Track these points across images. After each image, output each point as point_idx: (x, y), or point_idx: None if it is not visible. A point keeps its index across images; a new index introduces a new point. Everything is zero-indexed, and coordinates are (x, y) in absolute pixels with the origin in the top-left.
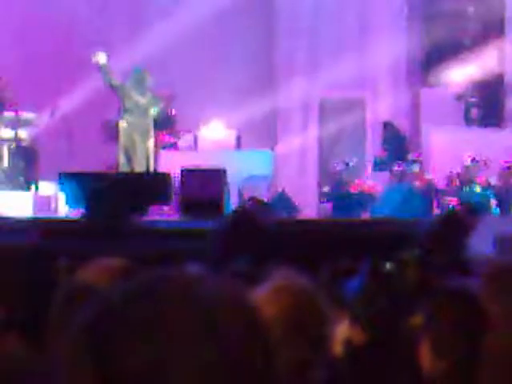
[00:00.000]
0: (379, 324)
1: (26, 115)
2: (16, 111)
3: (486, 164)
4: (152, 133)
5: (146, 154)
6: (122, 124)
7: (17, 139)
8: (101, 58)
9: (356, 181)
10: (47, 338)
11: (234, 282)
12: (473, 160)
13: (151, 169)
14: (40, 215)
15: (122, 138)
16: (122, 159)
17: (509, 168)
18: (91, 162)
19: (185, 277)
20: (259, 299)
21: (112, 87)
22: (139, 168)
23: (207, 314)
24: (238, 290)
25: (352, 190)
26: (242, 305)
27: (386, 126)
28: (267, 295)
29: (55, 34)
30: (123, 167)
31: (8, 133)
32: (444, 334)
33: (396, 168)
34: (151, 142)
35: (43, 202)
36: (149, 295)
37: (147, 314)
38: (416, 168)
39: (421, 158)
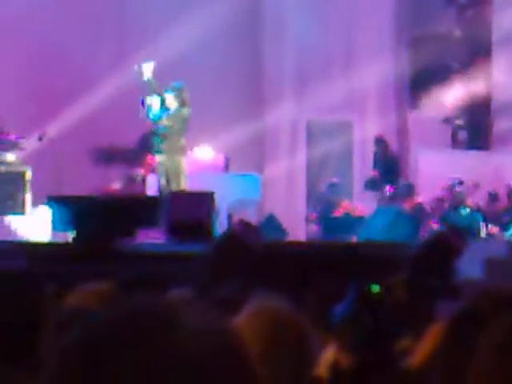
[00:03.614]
0: (366, 348)
1: (14, 139)
2: (3, 135)
3: (475, 187)
4: (185, 151)
5: (181, 172)
6: (158, 155)
7: (4, 163)
8: (146, 69)
9: (343, 203)
10: (40, 366)
11: (213, 311)
12: (461, 183)
13: (185, 186)
14: (31, 239)
15: (159, 166)
16: (162, 181)
17: (495, 193)
18: (81, 186)
19: (167, 305)
20: (238, 323)
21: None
22: (177, 187)
23: (186, 343)
24: (217, 318)
25: (340, 212)
26: (221, 333)
27: (378, 141)
28: (244, 319)
29: (43, 58)
30: (163, 189)
31: None
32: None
33: (387, 191)
34: (184, 161)
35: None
36: (132, 323)
37: (130, 341)
38: (406, 191)
39: (410, 182)
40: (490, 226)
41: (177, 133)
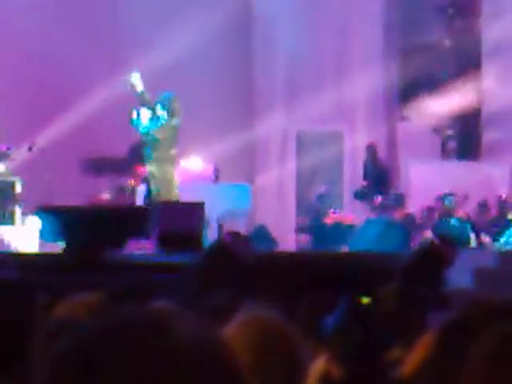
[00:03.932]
0: (357, 359)
1: (3, 149)
2: None
3: (465, 198)
4: (175, 161)
5: (171, 182)
6: (148, 165)
7: None
8: (136, 81)
9: (333, 212)
10: (30, 374)
11: (203, 320)
12: (451, 194)
13: (177, 197)
14: (20, 249)
15: (150, 176)
16: (152, 192)
17: (485, 203)
18: (71, 197)
19: (157, 314)
20: (228, 333)
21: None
22: (167, 197)
23: (178, 349)
24: (207, 327)
25: (329, 222)
26: (212, 341)
27: (367, 149)
28: (234, 329)
29: (33, 68)
30: (153, 199)
31: None
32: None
33: (377, 201)
34: (174, 171)
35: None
36: (123, 330)
37: (122, 348)
38: (397, 202)
39: (401, 193)
40: (480, 236)
41: (167, 143)
